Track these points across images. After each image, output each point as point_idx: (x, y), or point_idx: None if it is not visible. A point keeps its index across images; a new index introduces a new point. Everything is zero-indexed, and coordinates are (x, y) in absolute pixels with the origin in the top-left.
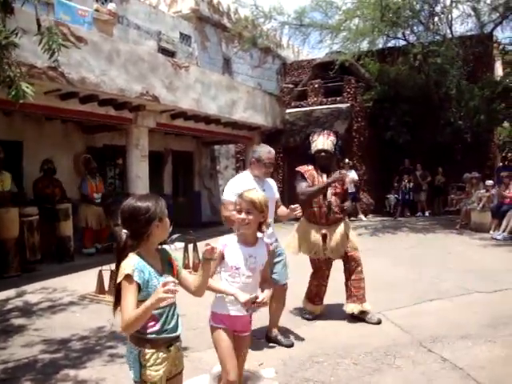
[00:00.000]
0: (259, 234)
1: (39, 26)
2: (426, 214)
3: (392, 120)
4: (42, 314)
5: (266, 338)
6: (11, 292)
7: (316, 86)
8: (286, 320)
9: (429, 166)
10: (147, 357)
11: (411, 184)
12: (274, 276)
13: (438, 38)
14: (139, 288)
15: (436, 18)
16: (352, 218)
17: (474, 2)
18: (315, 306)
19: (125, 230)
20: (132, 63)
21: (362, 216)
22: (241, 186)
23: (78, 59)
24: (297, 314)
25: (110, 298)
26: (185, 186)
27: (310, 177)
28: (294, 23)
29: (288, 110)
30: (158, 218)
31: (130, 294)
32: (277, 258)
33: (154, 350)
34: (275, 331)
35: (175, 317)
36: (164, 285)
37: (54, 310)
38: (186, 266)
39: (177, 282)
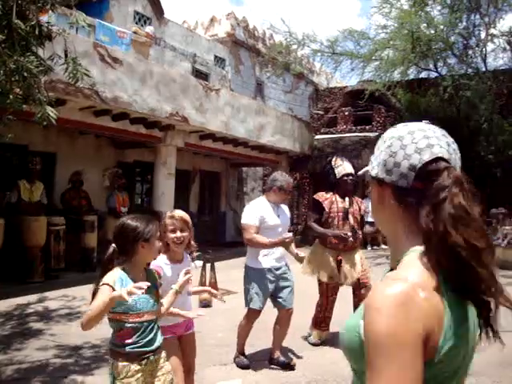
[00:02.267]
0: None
1: (66, 56)
2: None
3: None
4: (60, 321)
5: (268, 360)
6: (33, 297)
7: (346, 113)
8: (290, 344)
9: None
10: (119, 369)
11: None
12: (279, 300)
13: (470, 70)
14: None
15: (470, 51)
16: (374, 247)
17: (509, 36)
18: (321, 332)
19: (113, 245)
20: (164, 84)
21: (383, 245)
22: (259, 211)
23: (112, 79)
24: (302, 338)
25: None
26: (211, 206)
27: (328, 204)
28: (327, 51)
29: (317, 137)
30: (144, 238)
31: (101, 296)
32: (285, 283)
33: (126, 363)
34: (278, 354)
35: (153, 332)
36: (136, 287)
37: (71, 318)
38: (202, 285)
39: (144, 287)
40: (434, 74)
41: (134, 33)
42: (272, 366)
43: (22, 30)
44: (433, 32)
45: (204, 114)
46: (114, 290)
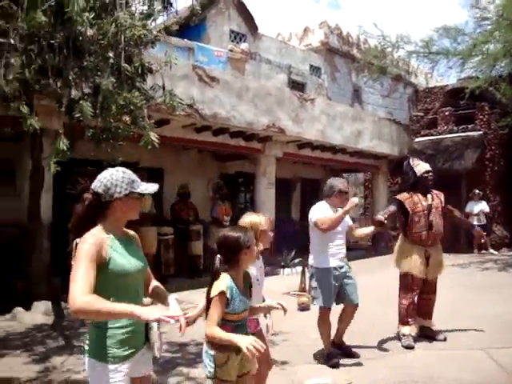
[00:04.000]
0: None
1: (164, 89)
2: None
3: None
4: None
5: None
6: (147, 300)
7: (446, 113)
8: (382, 345)
9: None
10: (220, 358)
11: None
12: (346, 296)
13: None
14: (227, 303)
15: None
16: (482, 251)
17: None
18: (411, 327)
19: (219, 255)
20: (260, 98)
21: (492, 250)
22: (324, 211)
23: (210, 96)
24: (392, 339)
25: None
26: None
27: (411, 204)
28: (422, 51)
29: (417, 139)
30: (246, 246)
31: (217, 310)
32: (349, 280)
33: (226, 353)
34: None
35: (246, 326)
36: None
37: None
38: (302, 290)
39: (264, 347)
40: None
41: (230, 51)
42: (362, 365)
43: (129, 72)
44: None
45: (300, 123)
46: (225, 297)
